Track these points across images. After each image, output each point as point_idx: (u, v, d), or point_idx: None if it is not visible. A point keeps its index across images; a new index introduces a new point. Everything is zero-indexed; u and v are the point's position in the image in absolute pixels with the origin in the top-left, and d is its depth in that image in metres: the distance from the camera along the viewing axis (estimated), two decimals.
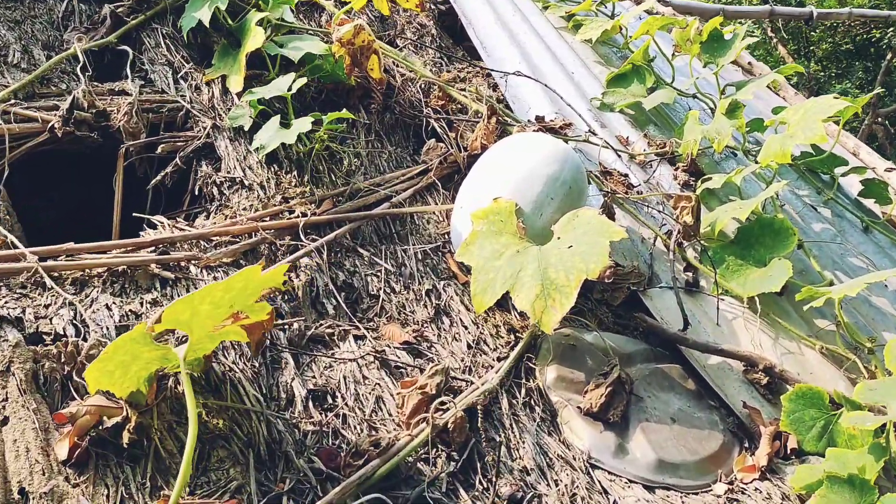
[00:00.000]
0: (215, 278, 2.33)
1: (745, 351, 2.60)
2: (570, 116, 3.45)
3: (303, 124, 2.68)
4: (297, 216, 2.61)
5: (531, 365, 2.44)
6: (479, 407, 2.19)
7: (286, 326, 2.30)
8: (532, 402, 2.35)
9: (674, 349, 2.67)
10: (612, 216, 2.96)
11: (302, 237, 2.53)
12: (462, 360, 2.41)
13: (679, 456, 2.28)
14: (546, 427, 2.28)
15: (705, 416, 2.44)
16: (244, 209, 2.64)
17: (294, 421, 2.06)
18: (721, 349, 2.60)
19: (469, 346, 2.47)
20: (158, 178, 2.70)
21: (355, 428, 2.09)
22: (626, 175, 3.19)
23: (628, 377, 2.43)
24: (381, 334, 2.43)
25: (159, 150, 2.75)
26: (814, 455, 2.32)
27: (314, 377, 2.21)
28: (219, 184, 2.72)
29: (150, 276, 2.26)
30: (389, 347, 2.38)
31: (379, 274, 2.61)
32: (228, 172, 2.76)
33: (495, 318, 2.60)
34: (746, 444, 2.39)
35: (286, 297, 2.40)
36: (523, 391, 2.36)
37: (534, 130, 3.27)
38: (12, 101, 2.66)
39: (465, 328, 2.53)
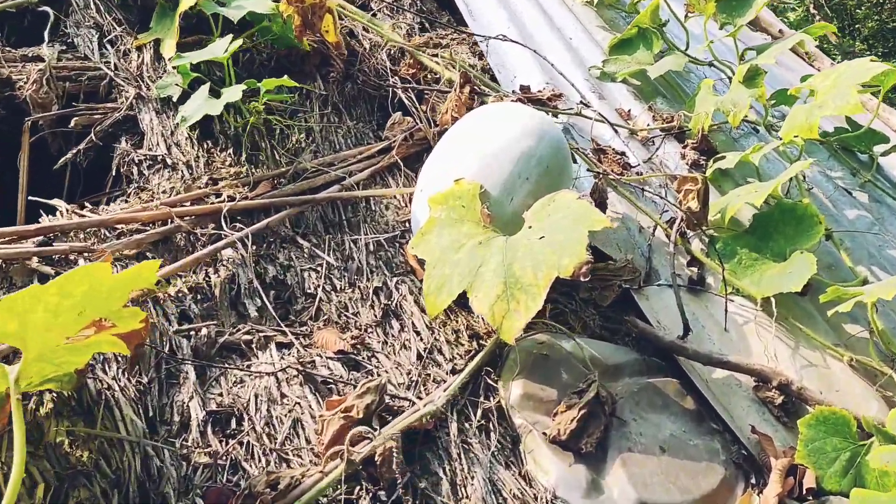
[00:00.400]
0: None
1: (756, 364, 2.15)
2: (563, 87, 3.01)
3: (233, 93, 2.28)
4: (224, 200, 2.22)
5: (490, 381, 2.03)
6: (397, 437, 1.78)
7: (191, 332, 1.92)
8: (490, 425, 1.94)
9: (671, 360, 2.23)
10: (603, 201, 2.53)
11: (224, 225, 2.14)
12: (408, 374, 2.00)
13: (666, 496, 1.85)
14: (504, 457, 1.87)
15: (703, 444, 2.01)
16: (164, 192, 2.26)
17: (184, 452, 1.68)
18: (727, 361, 2.16)
19: (419, 356, 2.06)
20: (69, 156, 2.34)
21: (261, 460, 1.71)
22: (622, 153, 2.74)
23: (609, 396, 2.00)
24: (313, 342, 2.04)
25: (73, 123, 2.38)
26: (836, 496, 1.88)
27: (219, 395, 1.82)
28: (138, 162, 2.35)
29: (29, 271, 1.89)
30: (321, 357, 1.99)
31: (319, 269, 2.22)
32: (150, 149, 2.38)
33: (455, 322, 2.19)
34: (753, 480, 1.96)
35: (199, 297, 2.02)
36: (480, 412, 1.95)
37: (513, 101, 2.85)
38: None
39: (418, 334, 2.13)
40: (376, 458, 1.70)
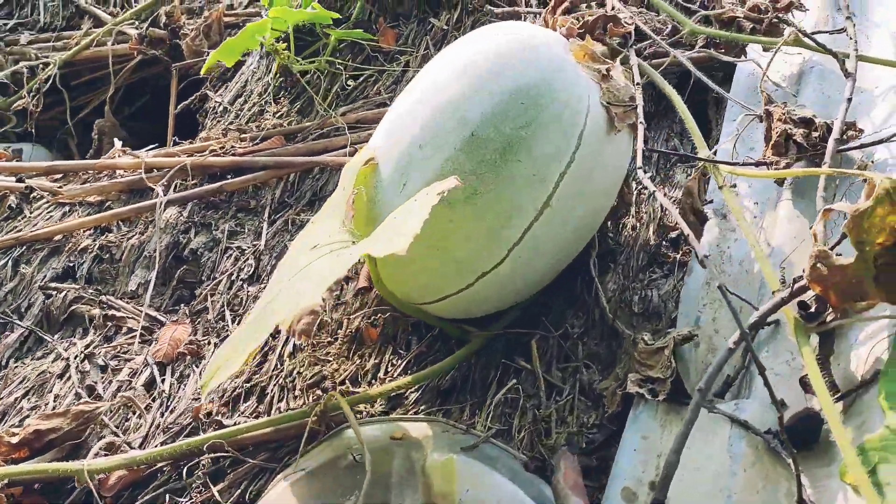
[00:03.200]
0: (50, 217, 1.91)
1: None
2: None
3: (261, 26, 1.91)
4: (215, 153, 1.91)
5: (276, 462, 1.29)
6: None
7: (54, 292, 1.73)
8: None
9: None
10: (697, 211, 1.30)
11: (159, 185, 1.83)
12: (190, 412, 1.42)
13: None
14: None
15: None
16: (202, 139, 2.07)
17: None
18: None
19: (249, 392, 1.44)
20: (186, 103, 2.31)
21: None
22: (813, 121, 1.30)
23: None
24: (156, 337, 1.62)
25: (202, 71, 2.34)
26: None
27: (22, 366, 1.61)
28: (208, 110, 2.20)
29: None
30: (139, 358, 1.57)
31: (248, 249, 1.72)
32: (223, 97, 2.19)
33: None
34: None
35: (105, 257, 1.80)
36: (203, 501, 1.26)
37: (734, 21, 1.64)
38: (130, 22, 2.61)
39: (291, 356, 1.48)
40: None
